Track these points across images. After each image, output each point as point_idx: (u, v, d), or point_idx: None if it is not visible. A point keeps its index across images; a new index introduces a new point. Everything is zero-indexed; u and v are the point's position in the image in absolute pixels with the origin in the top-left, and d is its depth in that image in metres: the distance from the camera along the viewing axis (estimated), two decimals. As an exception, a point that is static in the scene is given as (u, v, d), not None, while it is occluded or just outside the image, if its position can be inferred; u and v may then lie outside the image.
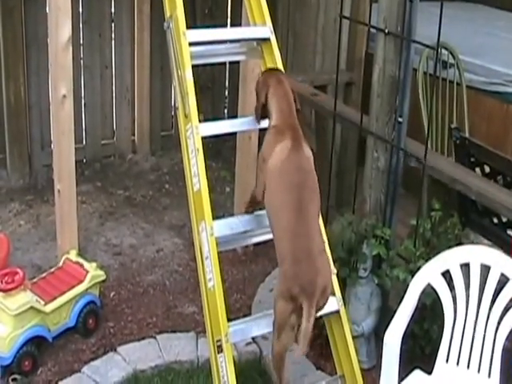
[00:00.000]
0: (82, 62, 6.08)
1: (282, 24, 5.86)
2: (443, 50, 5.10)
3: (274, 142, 3.45)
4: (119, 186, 6.09)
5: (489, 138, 5.17)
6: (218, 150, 6.28)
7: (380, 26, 4.04)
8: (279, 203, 3.37)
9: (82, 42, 6.04)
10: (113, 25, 6.27)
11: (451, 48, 5.29)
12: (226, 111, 7.03)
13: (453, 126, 5.02)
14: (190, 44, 3.56)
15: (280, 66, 3.78)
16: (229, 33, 3.85)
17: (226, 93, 7.01)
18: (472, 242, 3.97)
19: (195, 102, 3.50)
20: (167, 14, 3.71)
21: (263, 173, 3.48)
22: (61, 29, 4.07)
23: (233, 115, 5.83)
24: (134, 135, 6.55)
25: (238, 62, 4.95)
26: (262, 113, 3.65)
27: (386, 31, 3.97)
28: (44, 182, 5.96)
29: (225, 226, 3.55)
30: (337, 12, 5.18)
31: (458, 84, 5.34)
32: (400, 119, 4.05)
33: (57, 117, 4.25)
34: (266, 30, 3.81)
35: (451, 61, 5.33)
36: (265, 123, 3.63)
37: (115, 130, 6.49)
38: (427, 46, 4.13)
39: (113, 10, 6.25)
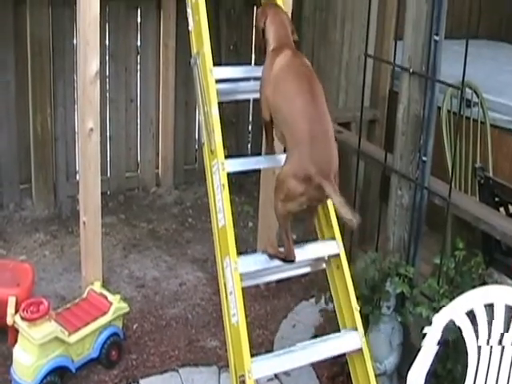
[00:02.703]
0: (107, 94, 6.14)
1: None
2: (467, 89, 5.11)
3: (274, 58, 3.60)
4: (143, 218, 6.12)
5: (513, 176, 5.17)
6: (241, 184, 6.31)
7: (405, 65, 4.06)
8: (292, 90, 3.47)
9: (108, 75, 6.12)
10: (138, 58, 6.35)
11: (475, 87, 5.30)
12: (249, 146, 7.06)
13: (477, 165, 5.02)
14: (217, 81, 3.60)
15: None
16: (255, 70, 3.87)
17: (250, 127, 7.04)
18: (496, 282, 3.96)
19: (221, 139, 3.53)
20: (194, 50, 3.76)
21: (267, 91, 3.58)
22: (89, 63, 4.12)
23: (256, 150, 5.88)
24: (157, 168, 6.59)
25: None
26: (262, 40, 3.79)
27: (411, 70, 3.99)
28: (69, 213, 6.01)
29: (249, 262, 3.58)
30: (361, 49, 5.23)
31: (482, 123, 5.34)
32: (424, 158, 4.06)
33: (84, 150, 4.29)
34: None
35: (475, 99, 5.34)
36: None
37: (139, 162, 6.53)
38: (452, 86, 4.15)
39: (139, 44, 6.33)
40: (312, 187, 3.29)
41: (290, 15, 4.18)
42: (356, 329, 3.64)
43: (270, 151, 3.92)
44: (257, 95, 3.79)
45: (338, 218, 3.74)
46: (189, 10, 3.83)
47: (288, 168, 3.38)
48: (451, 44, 4.32)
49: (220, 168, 3.50)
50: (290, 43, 3.72)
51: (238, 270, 3.44)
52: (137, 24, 6.26)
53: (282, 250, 3.64)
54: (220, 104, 3.68)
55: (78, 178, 5.59)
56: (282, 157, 3.69)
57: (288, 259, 3.63)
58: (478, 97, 5.34)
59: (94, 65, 4.11)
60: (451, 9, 3.99)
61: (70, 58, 5.84)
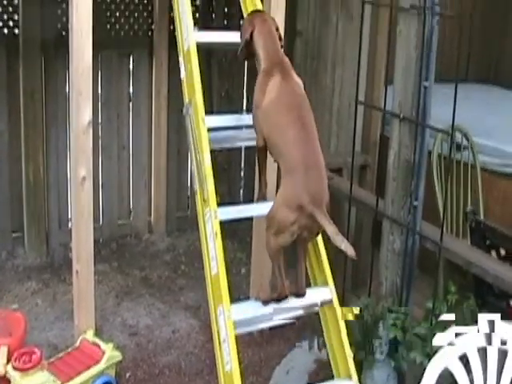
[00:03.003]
0: (100, 141, 6.17)
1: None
2: (457, 133, 5.15)
3: (265, 85, 3.62)
4: (135, 266, 6.10)
5: (504, 219, 5.18)
6: (234, 230, 6.30)
7: (395, 110, 4.11)
8: (283, 123, 3.49)
9: (100, 122, 6.15)
10: (131, 106, 6.39)
11: (465, 130, 5.33)
12: (241, 191, 7.08)
13: (468, 209, 5.05)
14: (209, 129, 3.63)
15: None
16: (246, 119, 3.90)
17: (242, 173, 7.07)
18: (489, 325, 3.96)
19: (214, 187, 3.55)
20: (186, 99, 3.79)
21: (259, 119, 3.61)
22: (82, 113, 4.14)
23: (249, 197, 5.89)
24: (150, 215, 6.61)
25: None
26: (247, 51, 3.79)
27: (401, 116, 4.03)
28: (61, 261, 5.99)
29: (243, 310, 3.57)
30: (352, 95, 5.25)
31: (472, 166, 5.38)
32: (415, 202, 4.09)
33: (76, 198, 4.29)
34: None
35: (465, 143, 5.38)
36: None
37: (132, 210, 6.55)
38: (442, 131, 4.19)
39: (131, 91, 6.38)
40: (304, 216, 3.32)
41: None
42: (350, 377, 3.62)
43: (263, 197, 3.94)
44: (248, 143, 3.82)
45: (330, 262, 3.76)
46: (181, 59, 3.87)
47: (280, 198, 3.42)
48: (441, 87, 4.36)
49: (213, 216, 3.51)
50: (280, 61, 3.74)
51: (232, 318, 3.44)
52: (129, 71, 6.32)
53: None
54: (212, 151, 3.70)
55: (70, 225, 5.61)
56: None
57: (282, 296, 3.63)
58: (467, 140, 5.38)
59: (86, 114, 4.14)
60: (440, 53, 4.04)
61: (62, 106, 5.87)
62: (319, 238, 3.81)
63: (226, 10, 6.53)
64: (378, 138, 5.77)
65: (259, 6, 4.14)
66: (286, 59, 3.78)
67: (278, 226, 3.39)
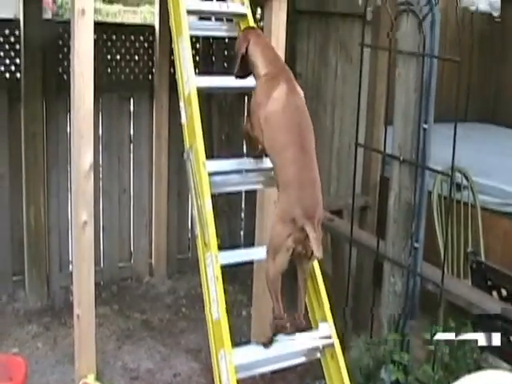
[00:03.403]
0: (101, 184, 6.19)
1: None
2: (457, 173, 5.17)
3: (270, 89, 3.60)
4: (136, 308, 6.08)
5: (504, 259, 5.18)
6: (234, 272, 6.26)
7: (395, 152, 4.13)
8: (283, 142, 3.53)
9: (101, 164, 6.17)
10: (131, 148, 6.43)
11: (465, 170, 5.36)
12: (242, 233, 7.09)
13: (469, 250, 5.06)
14: (210, 174, 3.64)
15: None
16: (247, 163, 3.92)
17: (243, 215, 7.09)
18: (491, 366, 3.95)
19: (215, 232, 3.55)
20: (187, 144, 3.80)
21: (259, 116, 3.61)
22: (83, 157, 4.16)
23: (249, 239, 5.90)
24: (151, 258, 6.60)
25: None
26: (241, 67, 3.78)
27: (401, 159, 4.06)
28: (62, 304, 5.98)
29: (244, 354, 3.55)
30: (351, 136, 5.29)
31: (472, 206, 5.40)
32: (416, 244, 4.10)
33: (77, 242, 4.30)
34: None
35: (465, 183, 5.40)
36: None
37: (132, 252, 6.55)
38: (442, 173, 4.21)
39: (132, 134, 6.41)
40: (297, 229, 3.36)
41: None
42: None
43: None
44: (249, 187, 3.84)
45: (331, 302, 3.75)
46: (181, 104, 3.89)
47: (275, 216, 3.49)
48: (440, 127, 4.39)
49: (214, 260, 3.52)
50: (282, 67, 3.76)
51: (233, 363, 3.42)
52: (130, 114, 6.36)
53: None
54: (213, 195, 3.71)
55: (71, 268, 5.60)
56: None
57: (279, 327, 3.61)
58: (467, 180, 5.40)
59: (87, 158, 4.16)
60: (439, 93, 4.08)
61: (63, 149, 5.90)
62: (319, 275, 3.80)
63: (225, 52, 6.58)
64: (379, 179, 5.79)
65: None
66: (287, 68, 3.79)
67: (274, 245, 3.44)
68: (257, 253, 3.99)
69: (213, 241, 3.54)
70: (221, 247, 3.66)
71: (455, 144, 3.76)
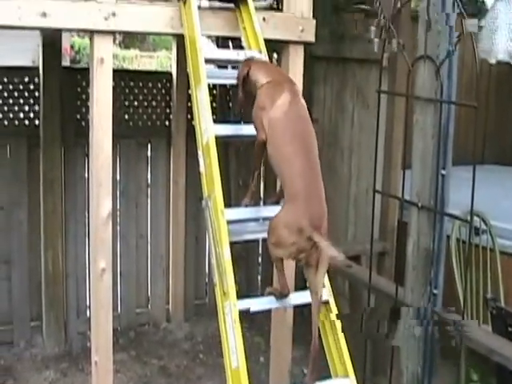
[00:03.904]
0: (118, 229, 6.21)
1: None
2: (475, 217, 5.14)
3: (274, 95, 3.62)
4: (153, 355, 6.07)
5: (524, 303, 5.15)
6: (252, 316, 6.27)
7: (413, 199, 4.11)
8: (289, 151, 3.54)
9: (118, 208, 6.21)
10: (149, 194, 6.45)
11: (483, 214, 5.33)
12: (259, 277, 7.07)
13: (488, 296, 5.01)
14: (228, 222, 3.64)
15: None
16: (265, 211, 3.92)
17: (260, 259, 7.08)
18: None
19: (233, 280, 3.54)
20: (205, 192, 3.80)
21: (263, 118, 3.62)
22: (101, 204, 4.16)
23: (266, 283, 5.86)
24: (168, 303, 6.60)
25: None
26: (244, 92, 3.81)
27: (419, 205, 4.04)
28: (79, 350, 5.98)
29: (263, 404, 3.53)
30: (368, 182, 5.30)
31: (491, 250, 5.36)
32: (435, 291, 4.07)
33: (95, 289, 4.29)
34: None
35: (483, 227, 5.37)
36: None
37: (150, 298, 6.56)
38: (460, 219, 4.18)
39: (149, 180, 6.45)
40: (303, 239, 3.41)
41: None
42: None
43: (252, 196, 3.96)
44: (265, 235, 3.84)
45: (350, 352, 3.71)
46: (200, 152, 3.89)
47: (282, 217, 3.51)
48: (457, 170, 4.37)
49: (232, 309, 3.50)
50: (288, 78, 3.84)
51: (252, 412, 3.40)
52: (147, 160, 6.41)
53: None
54: (230, 242, 3.70)
55: (88, 313, 5.60)
56: (293, 297, 3.74)
57: (283, 294, 3.69)
58: (486, 224, 5.37)
59: (106, 206, 4.16)
60: (456, 136, 4.05)
61: (81, 195, 5.95)
62: (339, 329, 3.77)
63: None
64: (396, 224, 5.77)
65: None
66: (290, 77, 3.87)
67: (277, 241, 3.49)
68: (276, 302, 3.97)
69: (231, 290, 3.52)
70: (239, 293, 3.65)
71: (474, 189, 3.74)
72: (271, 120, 3.60)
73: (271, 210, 3.82)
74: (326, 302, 3.71)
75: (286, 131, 3.60)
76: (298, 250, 3.44)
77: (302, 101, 3.72)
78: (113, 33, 4.06)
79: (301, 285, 3.85)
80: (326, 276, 3.71)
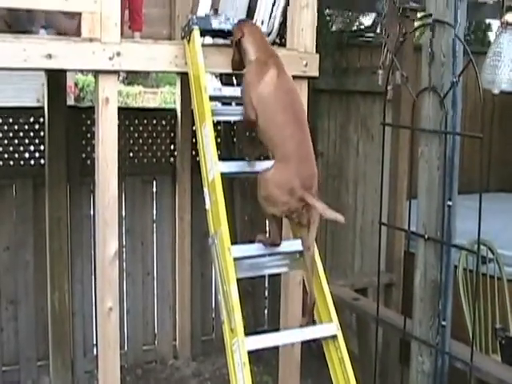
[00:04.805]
0: (124, 267, 6.20)
1: (319, 226, 5.95)
2: (481, 246, 5.12)
3: (261, 73, 3.82)
4: (160, 393, 6.04)
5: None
6: (260, 353, 6.23)
7: (419, 230, 4.11)
8: (281, 121, 3.74)
9: (124, 245, 6.21)
10: (155, 231, 6.45)
11: (490, 243, 5.32)
12: (266, 311, 7.05)
13: (497, 326, 4.99)
14: (235, 259, 3.63)
15: (324, 280, 3.82)
16: (270, 248, 3.92)
17: (266, 293, 7.05)
18: None
19: (241, 317, 3.53)
20: (211, 229, 3.80)
21: (252, 96, 3.80)
22: (108, 243, 4.16)
23: (273, 317, 5.86)
24: (175, 340, 6.57)
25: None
26: (236, 54, 4.03)
27: (426, 237, 4.03)
28: (86, 389, 5.96)
29: None
30: (374, 213, 5.29)
31: (498, 278, 5.35)
32: (444, 322, 4.05)
33: (103, 328, 4.27)
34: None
35: (490, 255, 5.36)
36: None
37: (156, 334, 6.54)
38: (467, 250, 4.17)
39: (154, 217, 6.45)
40: (295, 199, 3.59)
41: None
42: None
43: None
44: (273, 270, 3.85)
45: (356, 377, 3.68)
46: (205, 190, 3.89)
47: (274, 176, 3.66)
48: (462, 199, 4.35)
49: (240, 346, 3.48)
50: (272, 52, 3.99)
51: None
52: (152, 197, 6.42)
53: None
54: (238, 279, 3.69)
55: (95, 352, 5.58)
56: (302, 333, 3.75)
57: (274, 243, 3.82)
58: (492, 253, 5.36)
59: (112, 245, 4.15)
60: (460, 163, 4.05)
61: (87, 233, 5.97)
62: (346, 357, 3.74)
63: (247, 133, 6.61)
64: (403, 255, 5.76)
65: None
66: (276, 53, 4.01)
67: (269, 199, 3.67)
68: (284, 337, 3.96)
69: (239, 327, 3.51)
70: (246, 328, 3.63)
71: (480, 218, 3.74)
72: (261, 96, 3.79)
73: (282, 246, 3.84)
74: (334, 337, 3.70)
75: (276, 103, 3.78)
76: (289, 210, 3.64)
77: (288, 73, 3.93)
78: (118, 72, 4.09)
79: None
80: (334, 310, 3.71)
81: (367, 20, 8.16)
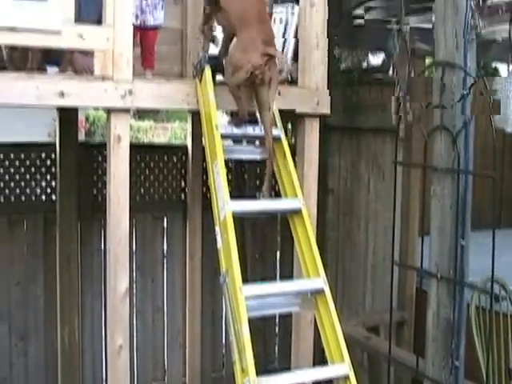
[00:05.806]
0: (134, 303, 6.17)
1: (331, 264, 5.94)
2: (494, 284, 5.09)
3: None
4: None
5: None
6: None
7: (431, 269, 4.09)
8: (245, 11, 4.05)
9: (135, 281, 6.18)
10: (165, 268, 6.44)
11: (502, 280, 5.27)
12: (276, 348, 7.01)
13: (511, 365, 4.94)
14: (246, 298, 3.61)
15: (336, 320, 3.79)
16: (284, 286, 3.91)
17: (277, 330, 7.01)
18: None
19: (252, 356, 3.50)
20: (223, 268, 3.79)
21: None
22: (119, 281, 4.15)
23: (283, 353, 5.80)
24: (184, 376, 6.51)
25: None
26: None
27: (439, 276, 4.01)
28: (97, 426, 5.92)
29: None
30: (385, 250, 5.28)
31: (511, 316, 5.30)
32: (456, 363, 4.01)
33: (113, 366, 4.25)
34: (319, 282, 3.84)
35: (503, 293, 5.31)
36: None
37: (166, 371, 6.49)
38: (480, 290, 4.14)
39: (165, 254, 6.44)
40: (257, 55, 3.89)
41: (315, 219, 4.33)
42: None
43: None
44: (285, 309, 3.84)
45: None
46: (217, 229, 3.89)
47: (237, 44, 3.99)
48: (474, 236, 4.34)
49: (252, 387, 3.46)
50: None
51: None
52: (163, 234, 6.40)
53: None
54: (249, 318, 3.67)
55: (105, 389, 5.55)
56: (312, 372, 3.76)
57: (243, 119, 4.14)
58: (505, 291, 5.32)
59: (123, 282, 4.15)
60: (472, 202, 4.04)
61: (98, 270, 5.95)
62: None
63: (257, 170, 6.61)
64: (415, 292, 5.74)
65: (292, 170, 4.17)
66: None
67: (234, 66, 3.95)
68: (295, 377, 3.92)
69: (251, 366, 3.48)
70: (256, 365, 3.60)
71: (494, 256, 3.72)
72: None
73: (294, 285, 3.82)
74: (346, 377, 3.66)
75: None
76: (253, 67, 3.88)
77: None
78: (129, 110, 4.11)
79: (319, 359, 3.81)
80: (346, 349, 3.68)
81: (375, 59, 8.18)
